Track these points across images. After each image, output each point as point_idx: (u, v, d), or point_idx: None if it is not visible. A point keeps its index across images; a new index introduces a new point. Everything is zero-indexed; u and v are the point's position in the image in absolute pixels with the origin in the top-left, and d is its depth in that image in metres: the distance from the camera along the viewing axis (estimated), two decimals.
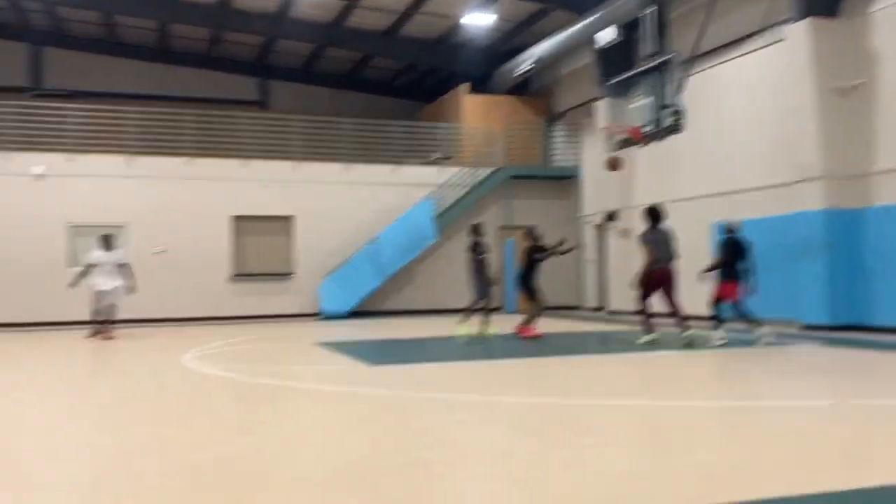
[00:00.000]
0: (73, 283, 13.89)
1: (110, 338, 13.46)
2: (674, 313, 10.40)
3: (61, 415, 6.37)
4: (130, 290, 13.74)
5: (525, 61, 19.98)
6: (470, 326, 12.14)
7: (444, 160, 20.58)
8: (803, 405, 6.05)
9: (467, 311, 12.51)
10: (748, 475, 3.91)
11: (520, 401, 6.35)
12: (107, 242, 13.78)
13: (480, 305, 12.56)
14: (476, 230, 12.76)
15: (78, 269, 14.33)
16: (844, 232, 12.20)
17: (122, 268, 13.68)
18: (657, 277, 10.30)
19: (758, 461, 4.18)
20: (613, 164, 10.98)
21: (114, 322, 13.76)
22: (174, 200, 18.28)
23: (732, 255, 10.25)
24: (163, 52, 23.33)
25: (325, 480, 4.01)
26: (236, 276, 18.81)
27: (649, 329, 10.58)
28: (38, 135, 17.86)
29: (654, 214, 10.45)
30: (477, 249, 12.56)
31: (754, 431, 5.10)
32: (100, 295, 13.48)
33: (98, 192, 17.84)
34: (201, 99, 22.71)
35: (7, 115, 17.70)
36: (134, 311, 17.57)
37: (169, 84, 23.14)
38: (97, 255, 13.68)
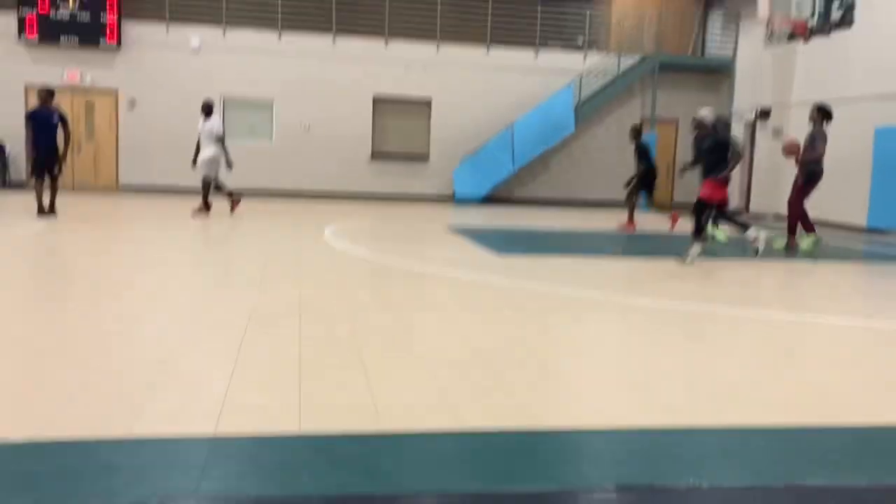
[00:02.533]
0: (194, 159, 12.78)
1: (205, 213, 12.46)
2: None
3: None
4: (226, 164, 12.64)
5: None
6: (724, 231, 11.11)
7: (591, 45, 19.83)
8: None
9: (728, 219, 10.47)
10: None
11: (646, 303, 6.35)
12: (205, 111, 12.61)
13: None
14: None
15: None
16: None
17: (217, 139, 12.52)
18: (817, 178, 9.94)
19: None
20: (791, 149, 9.98)
21: (210, 194, 12.59)
22: (319, 78, 18.73)
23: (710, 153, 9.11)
24: None
25: (456, 362, 4.25)
26: (375, 155, 19.30)
27: (810, 229, 10.23)
28: (195, 5, 18.57)
29: (826, 113, 9.87)
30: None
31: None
32: (198, 166, 12.60)
33: (249, 66, 18.53)
34: None
35: None
36: (276, 183, 18.63)
37: None
38: (200, 125, 12.68)
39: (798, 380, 4.27)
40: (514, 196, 19.47)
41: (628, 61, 19.41)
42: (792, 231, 10.38)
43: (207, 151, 12.54)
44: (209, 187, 12.64)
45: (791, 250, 10.11)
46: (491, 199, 19.00)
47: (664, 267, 8.53)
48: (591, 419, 3.46)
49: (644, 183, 13.05)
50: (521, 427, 3.29)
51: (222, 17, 18.53)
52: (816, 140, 9.79)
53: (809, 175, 10.01)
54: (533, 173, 19.52)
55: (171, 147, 18.25)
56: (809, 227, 10.30)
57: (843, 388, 4.13)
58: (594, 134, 19.80)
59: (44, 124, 11.31)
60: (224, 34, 18.46)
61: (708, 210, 8.97)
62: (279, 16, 18.66)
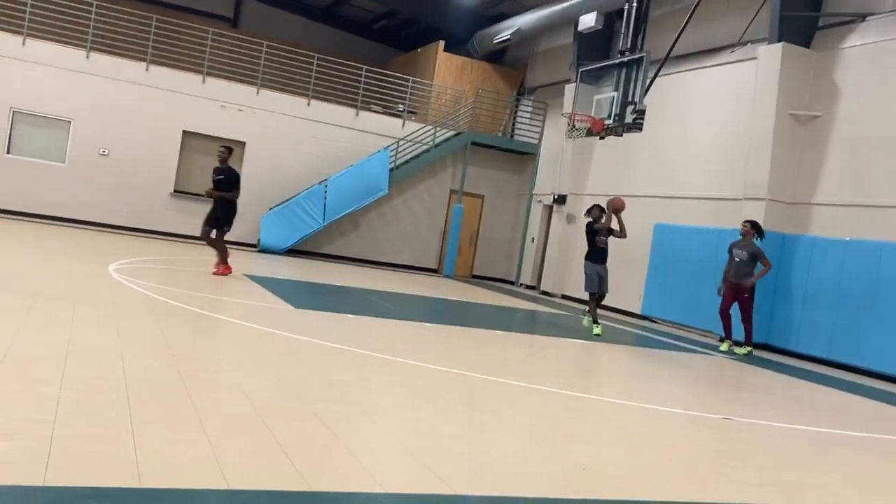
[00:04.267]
0: None
1: None
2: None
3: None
4: None
5: (506, 30, 19.87)
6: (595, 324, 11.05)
7: (409, 114, 20.44)
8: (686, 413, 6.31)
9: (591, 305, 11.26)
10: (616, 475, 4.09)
11: (430, 367, 6.46)
12: None
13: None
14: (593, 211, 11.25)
15: None
16: (778, 254, 12.57)
17: None
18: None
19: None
20: (619, 207, 10.75)
21: None
22: (126, 105, 17.76)
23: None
24: None
25: (218, 414, 4.05)
26: (177, 192, 18.45)
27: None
28: None
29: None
30: (597, 231, 11.08)
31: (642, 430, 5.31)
32: None
33: (48, 81, 17.22)
34: (169, 5, 22.04)
35: None
36: (67, 211, 17.23)
37: None
38: None
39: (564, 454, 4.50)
40: (321, 251, 19.33)
41: (444, 134, 20.18)
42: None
43: None
44: None
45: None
46: (297, 252, 18.75)
47: (469, 334, 8.75)
48: (365, 484, 3.42)
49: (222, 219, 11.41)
50: (290, 489, 3.19)
51: (24, 25, 17.17)
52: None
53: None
54: (342, 230, 19.54)
55: None
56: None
57: (608, 463, 4.40)
58: (406, 199, 20.24)
59: None
60: (24, 43, 17.07)
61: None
62: (90, 34, 17.59)
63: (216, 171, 11.45)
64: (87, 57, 17.52)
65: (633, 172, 16.50)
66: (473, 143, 20.31)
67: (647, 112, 12.52)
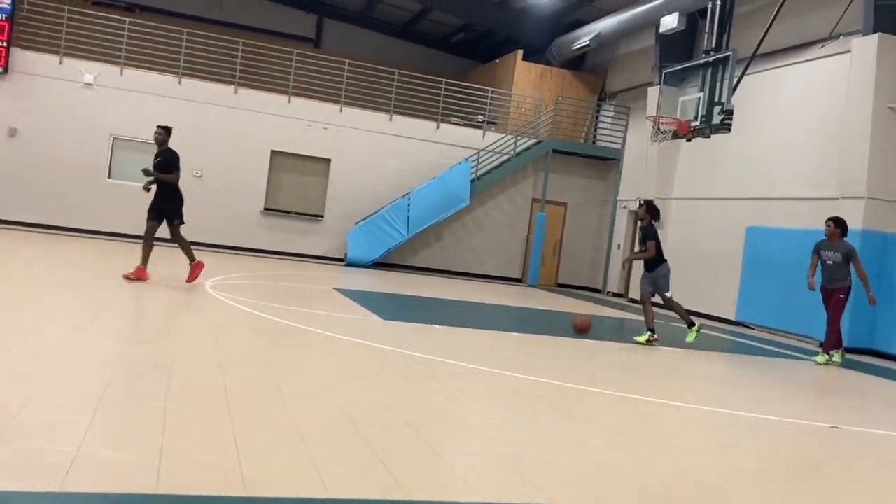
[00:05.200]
0: None
1: None
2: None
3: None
4: None
5: (585, 36, 19.70)
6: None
7: (489, 124, 20.50)
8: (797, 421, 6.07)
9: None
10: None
11: (520, 376, 6.43)
12: None
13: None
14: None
15: None
16: (880, 255, 11.99)
17: None
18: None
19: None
20: (582, 327, 10.01)
21: None
22: (217, 125, 18.45)
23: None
24: None
25: (315, 424, 4.14)
26: (267, 209, 19.02)
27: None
28: (93, 44, 18.09)
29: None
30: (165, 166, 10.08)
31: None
32: None
33: (143, 107, 18.06)
34: (255, 29, 22.81)
35: (62, 21, 17.86)
36: (163, 231, 17.96)
37: (226, 10, 23.22)
38: None
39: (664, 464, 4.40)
40: (405, 263, 19.55)
41: (525, 143, 20.15)
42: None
43: None
44: None
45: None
46: (382, 265, 19.01)
47: (557, 343, 8.68)
48: (460, 493, 3.43)
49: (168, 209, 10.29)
50: (389, 499, 3.23)
51: (121, 55, 18.08)
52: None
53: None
54: (426, 242, 19.72)
55: (50, 181, 17.46)
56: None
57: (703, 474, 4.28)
58: (488, 209, 20.28)
59: None
60: (121, 72, 17.98)
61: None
62: (181, 61, 18.37)
63: (155, 156, 10.34)
64: (180, 83, 18.29)
65: (721, 174, 16.05)
66: (555, 151, 20.18)
67: (734, 112, 12.19)
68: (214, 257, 15.95)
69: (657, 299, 10.19)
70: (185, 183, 10.72)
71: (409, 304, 12.17)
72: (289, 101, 19.01)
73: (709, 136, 12.77)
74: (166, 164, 10.13)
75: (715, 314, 15.16)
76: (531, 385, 6.19)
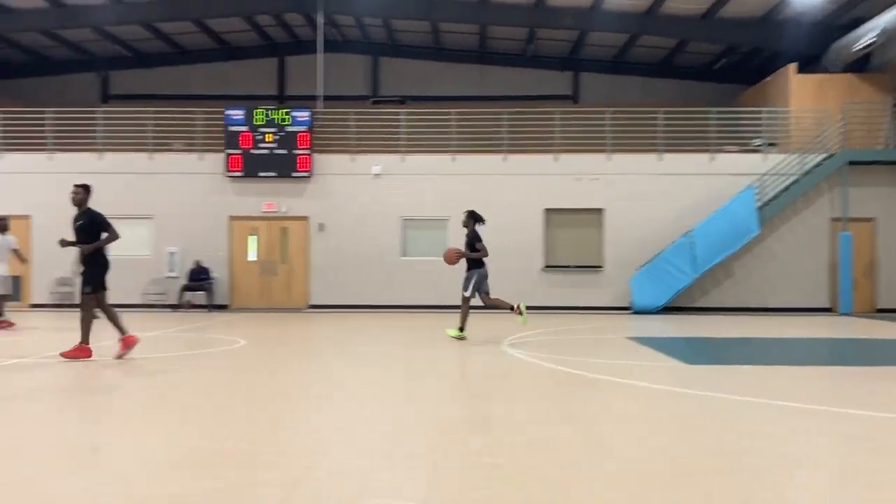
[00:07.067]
0: None
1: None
2: None
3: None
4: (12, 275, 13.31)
5: (866, 34, 17.84)
6: None
7: (768, 147, 19.16)
8: None
9: None
10: None
11: (854, 412, 5.71)
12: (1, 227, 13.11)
13: None
14: None
15: None
16: None
17: (13, 252, 13.12)
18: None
19: None
20: (451, 258, 8.66)
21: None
22: (491, 195, 19.24)
23: None
24: (481, 55, 24.69)
25: (645, 476, 3.97)
26: (547, 267, 19.30)
27: None
28: (376, 138, 19.95)
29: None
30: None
31: None
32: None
33: (424, 187, 19.41)
34: (515, 97, 23.70)
35: (350, 122, 19.95)
36: (451, 299, 18.98)
37: (486, 85, 24.49)
38: None
39: None
40: (695, 305, 18.63)
41: (813, 159, 18.50)
42: None
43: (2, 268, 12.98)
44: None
45: None
46: (670, 309, 18.29)
47: (879, 374, 7.69)
48: None
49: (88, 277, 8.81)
50: None
51: (399, 143, 19.71)
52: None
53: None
54: (715, 280, 18.69)
55: (353, 266, 19.27)
56: None
57: None
58: (780, 235, 18.79)
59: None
60: (403, 159, 19.57)
61: None
62: (454, 140, 19.57)
63: (74, 220, 8.86)
64: (453, 160, 19.46)
65: None
66: (851, 163, 18.27)
67: None
68: (497, 318, 16.41)
69: None
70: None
71: (710, 345, 11.51)
72: (555, 158, 19.35)
73: None
74: (93, 226, 8.72)
75: None
76: (871, 421, 5.46)
